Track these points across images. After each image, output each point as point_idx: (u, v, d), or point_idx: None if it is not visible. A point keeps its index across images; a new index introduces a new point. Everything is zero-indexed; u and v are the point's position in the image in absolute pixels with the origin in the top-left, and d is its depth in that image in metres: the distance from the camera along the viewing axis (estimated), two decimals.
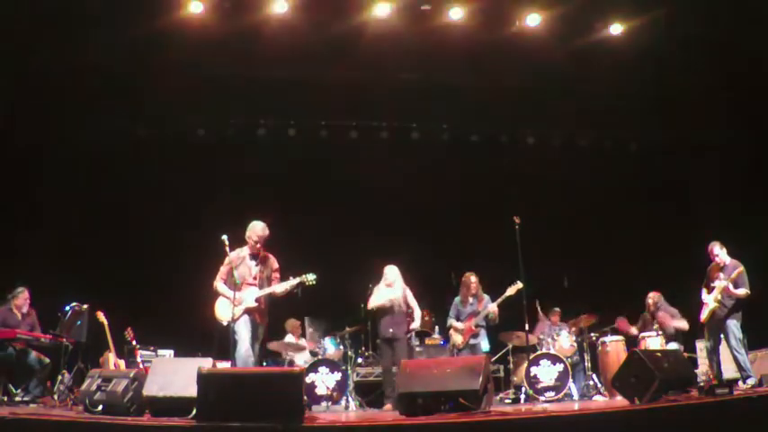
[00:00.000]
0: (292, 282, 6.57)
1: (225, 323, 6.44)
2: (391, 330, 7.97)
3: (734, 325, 7.51)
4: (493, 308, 8.24)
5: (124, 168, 10.01)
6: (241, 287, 6.42)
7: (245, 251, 6.60)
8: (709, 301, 7.68)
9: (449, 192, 10.76)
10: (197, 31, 8.63)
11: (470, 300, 8.40)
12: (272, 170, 10.44)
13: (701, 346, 8.93)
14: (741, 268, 7.61)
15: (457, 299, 8.54)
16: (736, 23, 8.97)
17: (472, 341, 8.26)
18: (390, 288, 8.09)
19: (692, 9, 8.74)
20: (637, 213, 10.88)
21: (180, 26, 8.59)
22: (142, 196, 9.99)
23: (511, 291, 8.22)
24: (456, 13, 8.82)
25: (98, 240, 9.62)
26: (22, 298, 7.67)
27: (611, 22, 9.10)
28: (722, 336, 7.63)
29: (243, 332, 6.32)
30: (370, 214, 10.45)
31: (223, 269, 6.55)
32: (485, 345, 8.36)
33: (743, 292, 7.52)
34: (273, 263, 6.66)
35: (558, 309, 9.63)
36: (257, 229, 6.58)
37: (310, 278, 6.59)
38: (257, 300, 6.45)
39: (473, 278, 8.42)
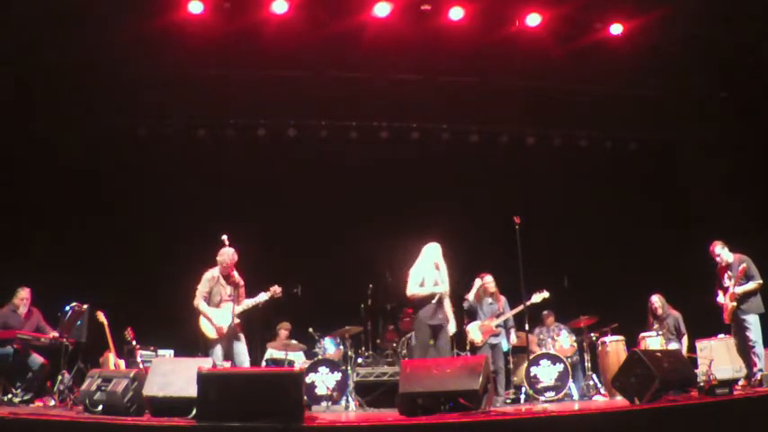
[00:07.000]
0: (264, 296, 7.08)
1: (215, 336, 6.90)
2: (440, 316, 7.09)
3: (752, 319, 7.50)
4: (515, 311, 8.33)
5: (124, 168, 10.01)
6: (219, 304, 6.99)
7: (216, 272, 7.09)
8: (727, 302, 7.68)
9: (448, 192, 10.75)
10: (197, 31, 8.63)
11: (489, 300, 8.43)
12: (272, 170, 10.44)
13: (702, 345, 8.92)
14: (744, 265, 7.61)
15: (471, 297, 8.46)
16: (736, 23, 8.97)
17: (493, 340, 8.27)
18: (438, 271, 7.17)
19: (692, 9, 8.73)
20: (637, 213, 10.86)
21: (180, 26, 8.59)
22: (142, 196, 9.99)
23: (536, 299, 8.37)
24: (456, 13, 8.80)
25: (98, 240, 9.62)
26: (21, 296, 7.68)
27: (611, 22, 9.09)
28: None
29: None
30: (371, 214, 10.43)
31: (203, 289, 7.02)
32: (505, 344, 8.42)
33: (752, 285, 7.52)
34: (240, 281, 7.16)
35: (547, 312, 9.58)
36: (230, 255, 7.07)
37: (278, 290, 7.08)
38: (238, 316, 6.95)
39: (488, 278, 8.48)
